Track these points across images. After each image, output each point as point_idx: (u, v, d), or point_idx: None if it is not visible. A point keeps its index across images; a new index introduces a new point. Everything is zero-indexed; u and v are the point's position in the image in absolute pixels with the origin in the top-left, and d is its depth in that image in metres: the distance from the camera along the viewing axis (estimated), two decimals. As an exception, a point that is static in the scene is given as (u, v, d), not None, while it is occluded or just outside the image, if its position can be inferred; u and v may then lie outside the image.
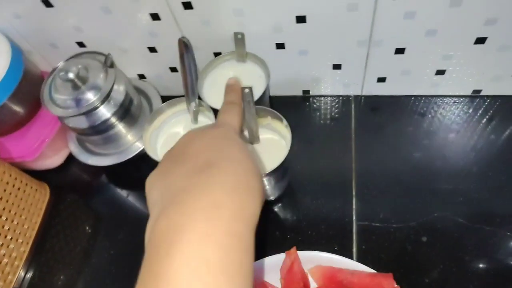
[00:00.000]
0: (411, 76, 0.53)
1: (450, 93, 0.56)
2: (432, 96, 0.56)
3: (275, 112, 0.45)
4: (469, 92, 0.55)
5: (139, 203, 0.58)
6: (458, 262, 0.45)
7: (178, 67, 0.57)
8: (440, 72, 0.52)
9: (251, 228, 0.26)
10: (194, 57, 0.44)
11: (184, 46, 0.43)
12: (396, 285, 0.41)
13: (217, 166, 0.27)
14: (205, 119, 0.49)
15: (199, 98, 0.48)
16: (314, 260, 0.45)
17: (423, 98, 0.57)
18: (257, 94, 0.47)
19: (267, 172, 0.42)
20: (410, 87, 0.56)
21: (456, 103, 0.56)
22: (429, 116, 0.55)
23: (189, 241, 0.23)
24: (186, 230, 0.24)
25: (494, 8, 0.42)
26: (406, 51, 0.49)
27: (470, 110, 0.55)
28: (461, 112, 0.55)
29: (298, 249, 0.45)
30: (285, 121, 0.44)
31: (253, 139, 0.47)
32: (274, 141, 0.47)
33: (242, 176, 0.27)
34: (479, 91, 0.55)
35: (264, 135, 0.47)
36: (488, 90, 0.54)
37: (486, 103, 0.55)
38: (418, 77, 0.53)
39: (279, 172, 0.46)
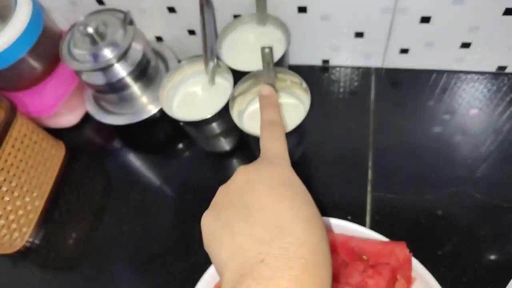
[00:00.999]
0: (435, 48, 0.52)
1: (473, 69, 0.54)
2: (455, 72, 0.55)
3: (295, 74, 0.44)
4: (493, 69, 0.54)
5: (150, 165, 0.58)
6: (472, 237, 0.45)
7: (197, 29, 0.57)
8: (465, 45, 0.51)
9: None
10: (214, 13, 0.44)
11: (205, 2, 0.42)
12: (409, 253, 0.41)
13: (290, 234, 0.27)
14: (223, 80, 0.48)
15: (219, 58, 0.48)
16: (327, 227, 0.45)
17: (446, 73, 0.55)
18: (277, 56, 0.46)
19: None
20: (433, 60, 0.54)
21: (479, 80, 0.54)
22: (451, 92, 0.54)
23: None
24: None
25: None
26: (431, 20, 0.48)
27: (494, 88, 0.53)
28: (484, 89, 0.54)
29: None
30: (304, 84, 0.43)
31: (271, 102, 0.46)
32: (293, 105, 0.46)
33: (316, 245, 0.27)
34: (504, 67, 0.53)
35: (283, 99, 0.47)
36: (515, 66, 0.53)
37: (510, 81, 0.53)
38: (442, 49, 0.52)
39: (294, 137, 0.45)
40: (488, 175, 0.48)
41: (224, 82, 0.48)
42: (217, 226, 0.30)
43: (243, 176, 0.32)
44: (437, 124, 0.52)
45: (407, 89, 0.56)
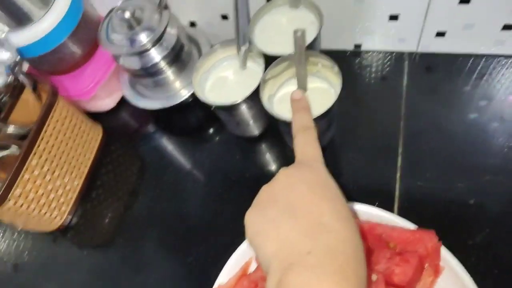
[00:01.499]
0: (474, 31, 0.50)
1: (515, 53, 0.52)
2: (494, 56, 0.53)
3: (327, 57, 0.44)
4: (539, 51, 0.51)
5: (182, 149, 0.60)
6: (506, 227, 0.43)
7: (230, 14, 0.57)
8: (507, 27, 0.49)
9: None
10: (247, -2, 0.44)
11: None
12: (438, 241, 0.40)
13: (332, 231, 0.30)
14: (255, 65, 0.49)
15: (250, 42, 0.48)
16: (354, 212, 0.45)
17: (484, 57, 0.53)
18: (309, 40, 0.45)
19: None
20: (471, 44, 0.52)
21: (520, 64, 0.52)
22: (489, 77, 0.52)
23: None
24: None
25: None
26: (472, 0, 0.46)
27: (537, 73, 0.51)
28: (526, 74, 0.51)
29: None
30: (336, 67, 0.43)
31: (302, 86, 0.46)
32: (323, 90, 0.46)
33: (355, 241, 0.30)
34: (551, 50, 0.51)
35: (313, 83, 0.47)
36: (560, 50, 0.50)
37: (555, 65, 0.51)
38: (481, 32, 0.50)
39: (325, 121, 0.45)
40: (525, 164, 0.46)
41: (256, 66, 0.49)
42: (263, 222, 0.32)
43: (285, 177, 0.35)
44: (473, 110, 0.50)
45: (442, 74, 0.54)
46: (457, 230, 0.44)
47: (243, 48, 0.47)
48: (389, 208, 0.47)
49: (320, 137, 0.48)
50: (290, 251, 0.30)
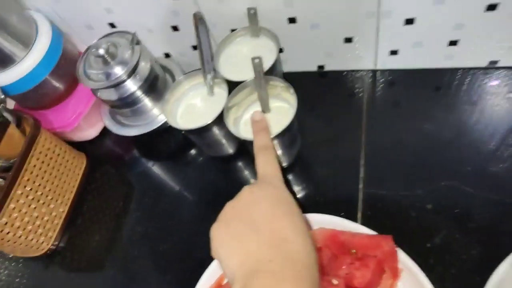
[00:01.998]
0: (424, 48, 0.54)
1: (465, 65, 0.56)
2: (447, 69, 0.57)
3: (283, 80, 0.47)
4: (485, 64, 0.55)
5: (163, 171, 0.63)
6: (461, 229, 0.46)
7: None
8: (453, 43, 0.52)
9: None
10: (208, 30, 0.48)
11: (198, 20, 0.46)
12: (393, 245, 0.43)
13: (291, 242, 0.34)
14: (221, 90, 0.53)
15: (215, 70, 0.52)
16: (318, 222, 0.48)
17: (437, 71, 0.57)
18: (267, 65, 0.49)
19: (274, 136, 0.45)
20: (423, 59, 0.56)
21: (471, 75, 0.55)
22: (443, 88, 0.56)
23: None
24: None
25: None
26: (416, 21, 0.50)
27: (486, 82, 0.55)
28: (476, 84, 0.55)
29: (305, 213, 0.48)
30: (292, 89, 0.47)
31: (265, 108, 0.50)
32: (284, 109, 0.50)
33: (310, 252, 0.34)
34: (496, 62, 0.54)
35: (275, 104, 0.50)
36: (506, 61, 0.54)
37: (502, 75, 0.54)
38: (430, 48, 0.54)
39: (287, 137, 0.49)
40: (478, 169, 0.49)
41: (222, 92, 0.52)
42: (227, 236, 0.35)
43: (249, 194, 0.38)
44: (429, 121, 0.54)
45: (400, 89, 0.58)
46: (416, 234, 0.47)
47: (209, 76, 0.51)
48: (353, 217, 0.50)
49: (286, 151, 0.52)
50: (253, 260, 0.33)
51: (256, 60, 0.44)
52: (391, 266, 0.43)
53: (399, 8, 0.49)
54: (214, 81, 0.52)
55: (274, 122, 0.49)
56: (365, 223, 0.49)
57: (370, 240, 0.44)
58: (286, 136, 0.48)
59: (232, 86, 0.50)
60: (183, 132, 0.51)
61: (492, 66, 0.55)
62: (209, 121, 0.48)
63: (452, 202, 0.48)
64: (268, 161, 0.42)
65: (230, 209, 0.38)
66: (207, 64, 0.51)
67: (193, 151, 0.63)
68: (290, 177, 0.56)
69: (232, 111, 0.50)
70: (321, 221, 0.47)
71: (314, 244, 0.35)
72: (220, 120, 0.49)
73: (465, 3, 0.47)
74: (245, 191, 0.38)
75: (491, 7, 0.47)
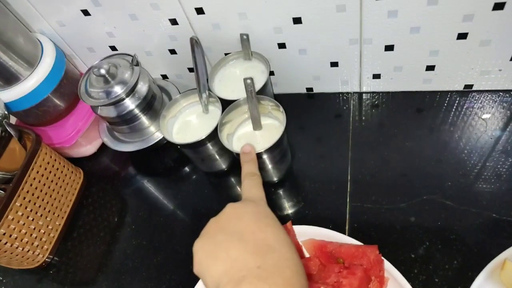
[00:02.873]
0: (404, 72, 0.58)
1: (442, 88, 0.60)
2: (426, 92, 0.61)
3: (273, 100, 0.51)
4: (461, 87, 0.59)
5: (158, 187, 0.65)
6: (443, 240, 0.49)
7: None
8: (430, 68, 0.57)
9: None
10: (203, 53, 0.52)
11: (195, 43, 0.50)
12: (378, 254, 0.45)
13: (277, 251, 0.34)
14: (215, 108, 0.56)
15: (210, 90, 0.55)
16: (307, 233, 0.50)
17: (417, 93, 0.61)
18: (258, 86, 0.53)
19: (263, 150, 0.48)
20: (404, 83, 0.60)
21: (449, 98, 0.60)
22: (424, 110, 0.60)
23: None
24: None
25: (469, 5, 0.47)
26: (395, 48, 0.55)
27: (463, 105, 0.59)
28: (454, 106, 0.59)
29: (294, 225, 0.50)
30: (281, 108, 0.50)
31: (256, 126, 0.53)
32: (275, 127, 0.53)
33: (296, 260, 0.35)
34: (471, 86, 0.59)
35: (266, 121, 0.54)
36: (479, 85, 0.58)
37: (477, 98, 0.58)
38: (410, 73, 0.58)
39: (278, 152, 0.52)
40: (458, 183, 0.52)
41: (216, 110, 0.56)
42: (211, 246, 0.36)
43: (232, 209, 0.39)
44: (411, 139, 0.57)
45: (384, 110, 0.62)
46: (400, 245, 0.49)
47: (204, 95, 0.54)
48: (342, 229, 0.52)
49: (276, 166, 0.55)
50: (241, 267, 0.33)
51: (248, 81, 0.48)
52: (377, 275, 0.45)
53: (379, 36, 0.53)
54: (208, 100, 0.55)
55: (265, 139, 0.52)
56: (352, 234, 0.51)
57: (356, 250, 0.47)
58: (276, 151, 0.51)
59: (226, 104, 0.53)
60: (179, 146, 0.54)
61: (468, 90, 0.59)
62: (204, 136, 0.51)
63: (434, 215, 0.51)
64: (254, 185, 0.44)
65: (213, 224, 0.38)
66: (202, 84, 0.54)
67: (187, 168, 0.66)
68: (281, 191, 0.58)
69: (226, 127, 0.53)
70: (311, 233, 0.50)
71: (298, 254, 0.36)
72: (214, 135, 0.52)
73: (438, 31, 0.51)
74: (229, 207, 0.39)
75: (462, 36, 0.51)
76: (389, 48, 0.55)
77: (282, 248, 0.35)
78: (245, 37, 0.55)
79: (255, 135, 0.53)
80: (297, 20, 0.53)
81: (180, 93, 0.66)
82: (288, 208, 0.56)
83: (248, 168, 0.46)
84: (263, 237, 0.35)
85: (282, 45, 0.58)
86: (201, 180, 0.64)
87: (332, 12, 0.51)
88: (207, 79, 0.56)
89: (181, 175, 0.66)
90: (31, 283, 0.61)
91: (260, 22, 0.55)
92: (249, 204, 0.40)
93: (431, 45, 0.53)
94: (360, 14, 0.50)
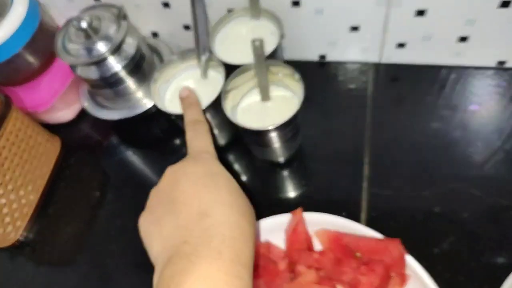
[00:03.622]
0: (432, 42, 0.51)
1: (472, 64, 0.53)
2: (454, 67, 0.54)
3: (287, 65, 0.43)
4: (493, 64, 0.53)
5: (145, 161, 0.58)
6: (470, 235, 0.44)
7: (191, 24, 0.57)
8: (463, 39, 0.50)
9: (249, 269, 0.29)
10: (205, 7, 0.44)
11: (196, -7, 0.42)
12: (403, 249, 0.40)
13: (211, 216, 0.30)
14: (216, 74, 0.48)
15: (211, 52, 0.47)
16: (320, 222, 0.44)
17: (444, 68, 0.54)
18: (269, 50, 0.45)
19: (276, 127, 0.41)
20: (431, 54, 0.53)
21: (478, 75, 0.53)
22: (450, 87, 0.53)
23: (194, 282, 0.27)
24: (191, 273, 0.27)
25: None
26: (427, 13, 0.47)
27: (493, 83, 0.52)
28: (484, 84, 0.52)
29: (305, 211, 0.44)
30: (297, 75, 0.43)
31: (265, 96, 0.46)
32: (286, 98, 0.46)
33: (235, 223, 0.31)
34: (504, 62, 0.52)
35: (276, 92, 0.46)
36: (514, 61, 0.52)
37: (510, 76, 0.52)
38: (439, 43, 0.51)
39: (289, 129, 0.45)
40: (487, 172, 0.46)
41: (217, 75, 0.48)
42: (149, 224, 0.33)
43: (170, 175, 0.35)
44: (436, 120, 0.51)
45: (405, 84, 0.55)
46: (423, 238, 0.44)
47: (203, 58, 0.46)
48: (357, 218, 0.46)
49: (285, 145, 0.48)
50: (170, 246, 0.30)
51: (257, 43, 0.40)
52: (398, 272, 0.40)
53: (411, -3, 0.46)
54: (209, 64, 0.47)
55: (277, 112, 0.45)
56: (369, 224, 0.45)
57: (377, 244, 0.41)
58: (289, 128, 0.44)
59: (228, 69, 0.45)
60: (172, 117, 0.46)
61: (500, 67, 0.53)
62: (204, 106, 0.43)
63: (461, 206, 0.45)
64: (198, 136, 0.39)
65: (153, 194, 0.36)
66: (202, 44, 0.46)
67: (178, 140, 0.58)
68: (287, 173, 0.52)
69: (230, 97, 0.45)
70: (323, 221, 0.44)
71: (246, 216, 0.32)
72: (215, 106, 0.44)
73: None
74: (167, 172, 0.36)
75: (504, 4, 0.44)
76: (421, 13, 0.47)
77: (217, 212, 0.31)
78: (254, -10, 0.47)
79: (265, 107, 0.46)
80: (317, -27, 0.45)
81: (174, 54, 0.58)
82: (296, 192, 0.50)
83: (190, 114, 0.41)
84: (198, 203, 0.32)
85: (296, 3, 0.50)
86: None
87: (361, -36, 0.43)
88: (208, 39, 0.48)
89: (171, 148, 0.58)
90: (2, 263, 0.54)
91: (274, -28, 0.46)
92: (188, 164, 0.36)
93: (468, 13, 0.46)
94: (394, -32, 0.42)
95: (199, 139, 0.38)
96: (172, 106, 0.48)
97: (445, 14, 0.47)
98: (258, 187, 0.52)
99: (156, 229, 0.32)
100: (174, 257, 0.29)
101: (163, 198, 0.34)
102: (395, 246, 0.40)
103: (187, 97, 0.43)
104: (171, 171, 0.35)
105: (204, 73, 0.48)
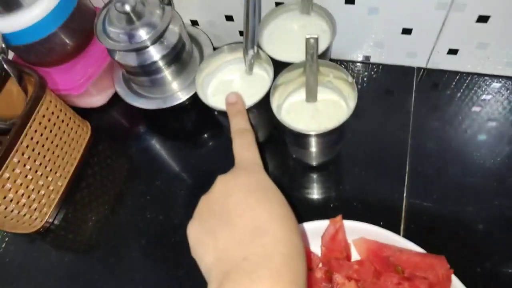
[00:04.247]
0: (487, 50, 0.49)
1: (527, 76, 0.51)
2: (506, 77, 0.52)
3: (340, 67, 0.41)
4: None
5: (175, 153, 0.56)
6: (516, 255, 0.42)
7: (235, 15, 0.54)
8: (522, 50, 0.47)
9: None
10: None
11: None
12: (449, 268, 0.38)
13: (267, 231, 0.30)
14: (261, 71, 0.46)
15: (259, 47, 0.45)
16: (359, 231, 0.42)
17: (495, 78, 0.52)
18: (320, 49, 0.43)
19: (321, 133, 0.39)
20: (482, 63, 0.51)
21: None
22: (499, 98, 0.51)
23: None
24: None
25: None
26: (490, 20, 0.45)
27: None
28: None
29: (344, 219, 0.42)
30: (350, 77, 0.41)
31: (311, 97, 0.44)
32: (334, 102, 0.44)
33: (289, 240, 0.30)
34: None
35: (324, 94, 0.44)
36: None
37: None
38: (494, 53, 0.49)
39: (334, 136, 0.43)
40: (536, 190, 0.45)
41: (262, 73, 0.46)
42: (202, 234, 0.33)
43: (222, 185, 0.34)
44: (482, 131, 0.49)
45: (451, 92, 0.52)
46: (465, 255, 0.42)
47: (251, 53, 0.44)
48: (395, 228, 0.45)
49: (326, 151, 0.46)
50: (227, 260, 0.30)
51: (312, 40, 0.38)
52: (442, 291, 0.38)
53: (475, 2, 0.43)
54: (255, 59, 0.45)
55: (324, 116, 0.43)
56: (408, 237, 0.43)
57: (422, 260, 0.39)
58: (335, 134, 0.42)
59: (274, 66, 0.44)
60: (216, 112, 0.44)
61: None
62: (254, 103, 0.42)
63: (506, 224, 0.43)
64: (245, 145, 0.38)
65: (204, 203, 0.35)
66: (251, 38, 0.44)
67: (209, 134, 0.57)
68: (322, 175, 0.50)
69: (276, 95, 0.43)
70: (362, 230, 0.42)
71: (297, 230, 0.32)
72: (259, 105, 0.42)
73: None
74: (219, 181, 0.35)
75: None
76: (483, 19, 0.45)
77: (274, 227, 0.30)
78: (308, -16, 0.45)
79: (311, 108, 0.44)
80: (380, -30, 0.42)
81: (212, 45, 0.56)
82: (333, 196, 0.48)
83: (237, 123, 0.40)
84: (253, 217, 0.31)
85: (350, 1, 0.47)
86: (225, 150, 0.52)
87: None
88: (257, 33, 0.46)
89: (202, 142, 0.57)
90: (27, 249, 0.53)
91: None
92: (241, 175, 0.35)
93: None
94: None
95: (247, 150, 0.38)
96: (214, 100, 0.46)
97: (509, 21, 0.44)
98: (291, 188, 0.50)
99: (210, 240, 0.31)
100: (233, 273, 0.28)
101: (215, 208, 0.33)
102: (442, 263, 0.39)
103: (235, 104, 0.41)
104: (223, 181, 0.35)
105: (250, 69, 0.46)
